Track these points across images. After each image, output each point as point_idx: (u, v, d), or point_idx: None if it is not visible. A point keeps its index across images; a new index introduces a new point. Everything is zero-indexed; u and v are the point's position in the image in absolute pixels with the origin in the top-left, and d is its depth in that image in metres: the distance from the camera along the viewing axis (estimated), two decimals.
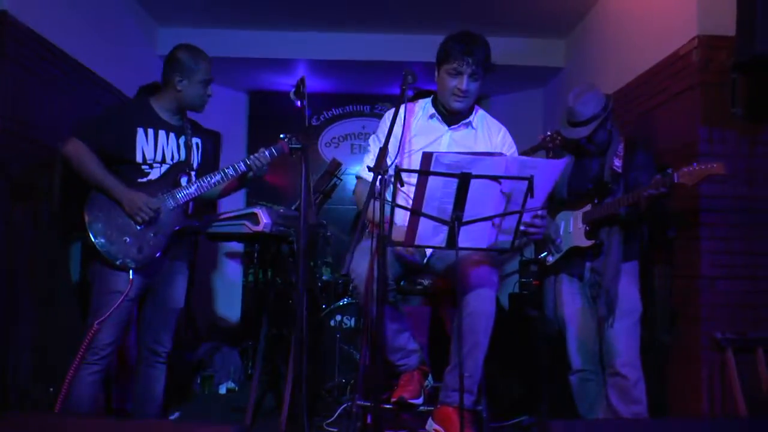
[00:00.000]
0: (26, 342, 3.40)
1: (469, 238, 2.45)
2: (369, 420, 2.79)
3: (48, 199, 3.56)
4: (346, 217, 5.98)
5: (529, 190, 2.35)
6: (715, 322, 3.26)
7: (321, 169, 5.16)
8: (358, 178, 3.16)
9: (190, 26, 5.40)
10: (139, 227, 2.90)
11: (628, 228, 3.22)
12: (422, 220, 2.41)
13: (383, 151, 2.50)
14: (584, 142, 3.25)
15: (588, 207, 3.26)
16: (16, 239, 3.32)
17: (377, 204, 2.37)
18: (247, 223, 3.54)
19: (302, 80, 2.90)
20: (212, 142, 4.98)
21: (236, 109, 6.73)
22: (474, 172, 2.32)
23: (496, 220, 2.47)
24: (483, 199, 2.39)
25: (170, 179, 3.01)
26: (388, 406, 2.90)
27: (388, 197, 2.60)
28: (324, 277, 4.87)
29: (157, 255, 2.93)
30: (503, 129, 3.10)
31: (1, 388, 3.19)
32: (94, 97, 4.20)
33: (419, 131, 3.02)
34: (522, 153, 4.07)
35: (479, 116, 3.07)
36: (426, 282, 3.02)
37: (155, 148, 3.01)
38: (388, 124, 2.72)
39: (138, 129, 2.97)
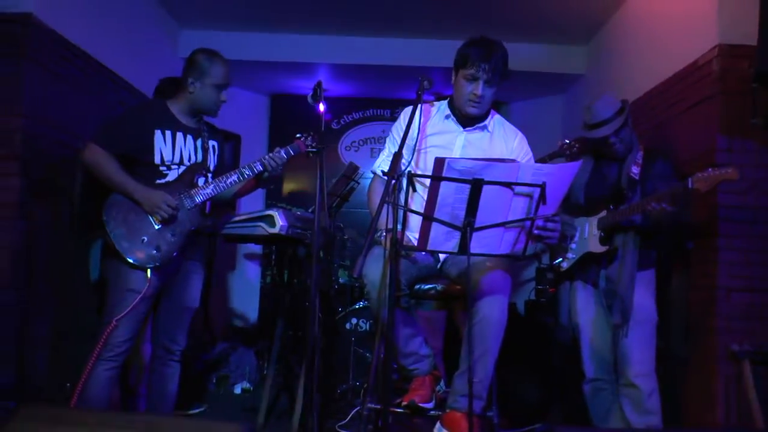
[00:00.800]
0: (44, 338, 3.46)
1: (482, 244, 2.45)
2: (380, 423, 2.79)
3: (69, 199, 3.63)
4: (364, 221, 5.98)
5: (542, 197, 2.34)
6: (731, 334, 3.23)
7: (340, 173, 5.18)
8: (374, 174, 3.19)
9: (212, 29, 5.46)
10: (157, 227, 2.93)
11: (643, 236, 3.20)
12: (434, 226, 2.41)
13: (397, 156, 2.52)
14: (613, 140, 3.22)
15: (603, 213, 3.25)
16: (37, 237, 3.39)
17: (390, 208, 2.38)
18: (263, 225, 3.57)
19: (319, 84, 2.93)
20: (231, 144, 5.04)
21: (257, 112, 6.78)
22: (486, 178, 2.31)
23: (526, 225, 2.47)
24: (495, 205, 2.39)
25: (186, 180, 3.04)
26: (399, 410, 2.91)
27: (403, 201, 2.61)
28: (340, 280, 4.89)
29: (174, 255, 2.96)
30: (520, 134, 3.08)
31: (19, 384, 3.25)
32: (116, 98, 4.26)
33: (434, 130, 3.02)
34: (539, 160, 4.06)
35: (496, 120, 3.06)
36: (439, 287, 3.02)
37: (173, 150, 3.03)
38: (404, 125, 2.73)
39: (156, 131, 3.00)
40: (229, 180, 3.05)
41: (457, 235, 2.42)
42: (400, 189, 2.47)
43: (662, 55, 3.98)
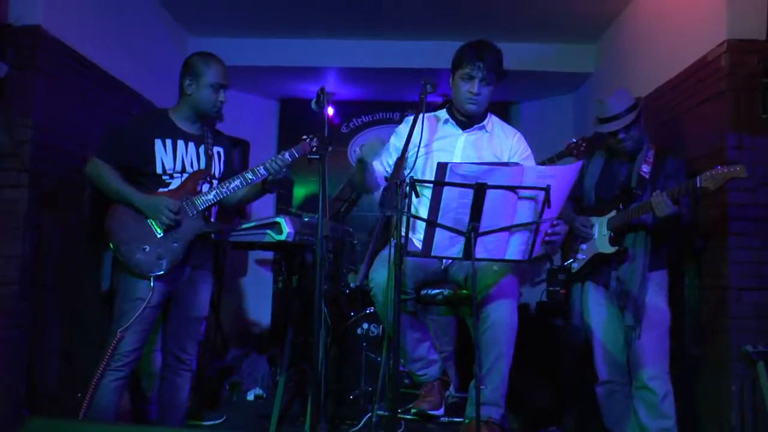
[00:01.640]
0: (55, 348, 3.48)
1: (487, 248, 2.44)
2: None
3: (78, 210, 3.65)
4: (374, 225, 5.98)
5: (546, 201, 2.32)
6: (744, 335, 3.17)
7: (348, 177, 5.16)
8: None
9: (220, 35, 5.45)
10: (159, 235, 2.93)
11: (654, 236, 3.17)
12: (438, 231, 2.40)
13: (400, 161, 2.52)
14: (622, 136, 3.20)
15: (613, 213, 3.22)
16: (46, 248, 3.40)
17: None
18: (270, 232, 3.56)
19: (322, 90, 2.92)
20: (240, 150, 5.03)
21: (267, 117, 6.78)
22: (490, 183, 2.31)
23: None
24: (500, 209, 2.37)
25: (189, 188, 3.03)
26: (408, 417, 2.90)
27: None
28: (351, 285, 4.87)
29: (178, 262, 2.96)
30: (518, 133, 3.13)
31: (30, 394, 3.27)
32: (125, 107, 4.27)
33: (435, 136, 3.06)
34: (547, 159, 4.06)
35: (493, 120, 3.12)
36: (446, 292, 3.00)
37: (174, 158, 3.04)
38: (406, 132, 2.73)
39: (156, 140, 3.00)
40: (231, 185, 3.02)
41: (462, 240, 2.41)
42: (403, 195, 2.46)
43: (671, 51, 3.94)
